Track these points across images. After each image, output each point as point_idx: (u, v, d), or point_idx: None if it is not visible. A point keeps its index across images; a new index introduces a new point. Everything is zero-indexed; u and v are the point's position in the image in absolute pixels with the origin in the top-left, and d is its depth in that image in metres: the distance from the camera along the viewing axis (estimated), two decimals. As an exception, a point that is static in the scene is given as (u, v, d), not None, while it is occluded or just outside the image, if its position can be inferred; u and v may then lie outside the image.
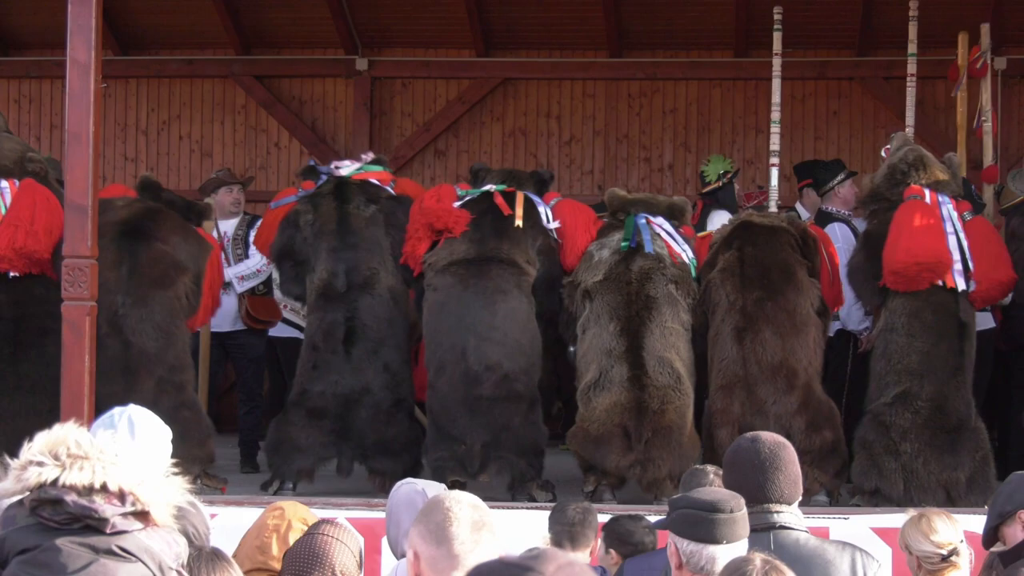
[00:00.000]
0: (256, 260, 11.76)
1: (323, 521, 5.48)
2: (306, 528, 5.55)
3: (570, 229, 10.46)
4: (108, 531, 4.35)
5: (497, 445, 9.87)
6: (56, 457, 4.35)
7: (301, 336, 11.53)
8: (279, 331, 12.28)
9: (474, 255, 10.15)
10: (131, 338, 9.91)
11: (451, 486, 9.76)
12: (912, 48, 12.00)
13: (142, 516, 4.43)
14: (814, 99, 15.18)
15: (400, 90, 15.75)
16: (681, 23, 14.93)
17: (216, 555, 5.07)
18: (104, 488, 4.36)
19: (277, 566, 5.47)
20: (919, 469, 9.72)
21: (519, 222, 10.26)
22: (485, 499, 9.38)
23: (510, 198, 10.42)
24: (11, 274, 10.03)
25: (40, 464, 4.33)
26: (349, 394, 10.21)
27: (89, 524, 4.36)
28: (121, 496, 4.37)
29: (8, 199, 10.11)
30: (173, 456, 10.04)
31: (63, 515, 4.35)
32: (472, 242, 10.20)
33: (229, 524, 8.09)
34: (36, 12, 14.73)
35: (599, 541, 7.16)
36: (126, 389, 9.77)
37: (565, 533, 6.89)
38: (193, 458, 9.77)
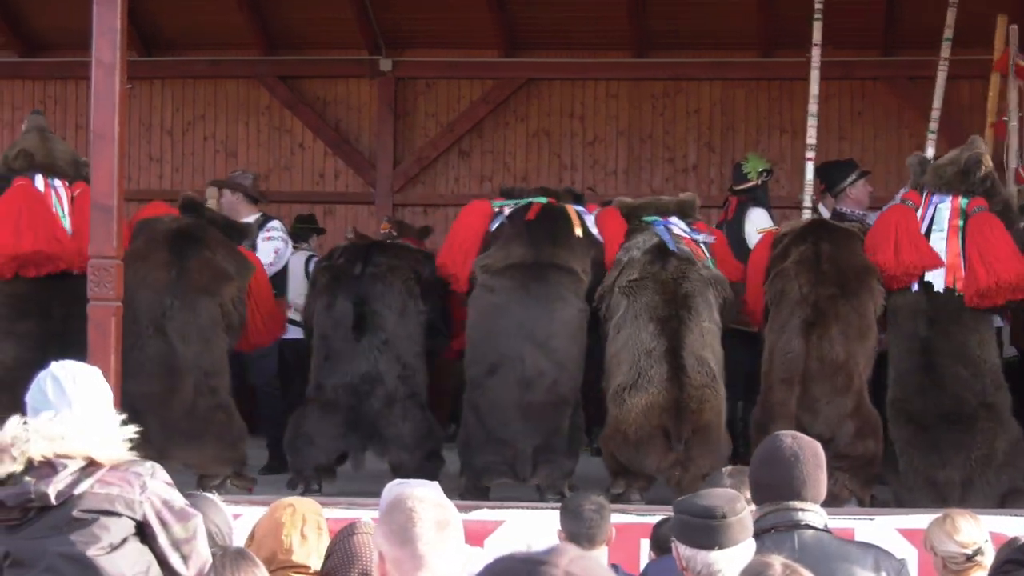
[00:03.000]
0: (263, 261, 11.62)
1: (358, 520, 5.45)
2: (319, 520, 5.57)
3: (611, 241, 10.38)
4: (57, 502, 4.40)
5: (548, 448, 9.86)
6: None
7: (296, 336, 11.75)
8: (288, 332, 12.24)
9: (532, 260, 10.10)
10: (175, 341, 10.03)
11: (494, 488, 9.96)
12: (948, 33, 11.87)
13: (88, 468, 4.46)
14: (838, 99, 15.13)
15: (424, 90, 15.75)
16: (705, 23, 14.88)
17: (241, 555, 5.07)
18: (30, 466, 4.41)
19: (299, 560, 5.48)
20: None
21: (579, 231, 10.22)
22: (513, 499, 9.46)
23: (559, 210, 10.36)
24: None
25: None
26: (360, 384, 10.22)
27: (39, 507, 4.42)
28: (50, 465, 4.41)
29: (64, 197, 10.26)
30: (209, 457, 10.24)
31: (14, 512, 4.43)
32: (529, 247, 10.14)
33: (253, 524, 8.07)
34: (61, 13, 14.74)
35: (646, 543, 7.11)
36: (167, 390, 9.99)
37: (583, 533, 6.75)
38: (226, 460, 10.04)
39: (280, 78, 15.76)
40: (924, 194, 10.13)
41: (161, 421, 9.64)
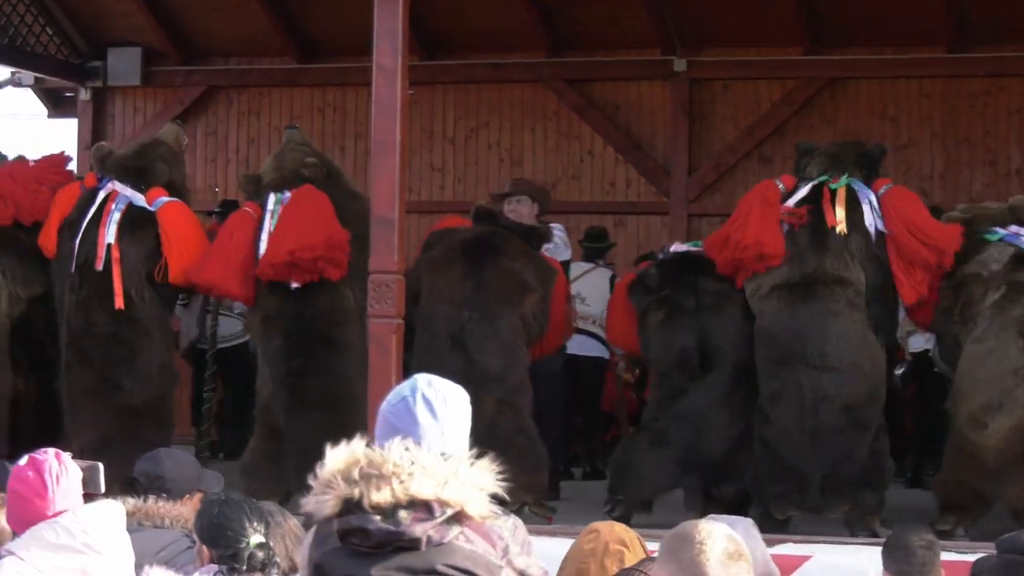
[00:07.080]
0: None
1: (646, 560, 5.16)
2: (624, 550, 5.40)
3: (895, 226, 9.88)
4: (423, 548, 4.21)
5: (840, 477, 9.68)
6: (349, 480, 4.24)
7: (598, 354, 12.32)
8: (580, 348, 12.23)
9: (797, 278, 9.89)
10: (475, 355, 10.04)
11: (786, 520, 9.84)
12: None
13: (457, 517, 4.27)
14: None
15: (721, 92, 15.39)
16: (1028, 13, 14.24)
17: None
18: (408, 503, 4.23)
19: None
20: None
21: (841, 227, 9.82)
22: (819, 533, 9.14)
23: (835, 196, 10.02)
24: (293, 285, 10.29)
25: (334, 489, 4.26)
26: (697, 420, 10.18)
27: (401, 546, 4.23)
28: (427, 507, 4.23)
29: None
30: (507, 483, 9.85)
31: (371, 541, 4.22)
32: (791, 262, 9.92)
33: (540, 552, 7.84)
34: (340, 17, 14.86)
35: None
36: None
37: (913, 572, 6.19)
38: (525, 486, 9.76)
39: (567, 81, 15.58)
40: None
41: None
